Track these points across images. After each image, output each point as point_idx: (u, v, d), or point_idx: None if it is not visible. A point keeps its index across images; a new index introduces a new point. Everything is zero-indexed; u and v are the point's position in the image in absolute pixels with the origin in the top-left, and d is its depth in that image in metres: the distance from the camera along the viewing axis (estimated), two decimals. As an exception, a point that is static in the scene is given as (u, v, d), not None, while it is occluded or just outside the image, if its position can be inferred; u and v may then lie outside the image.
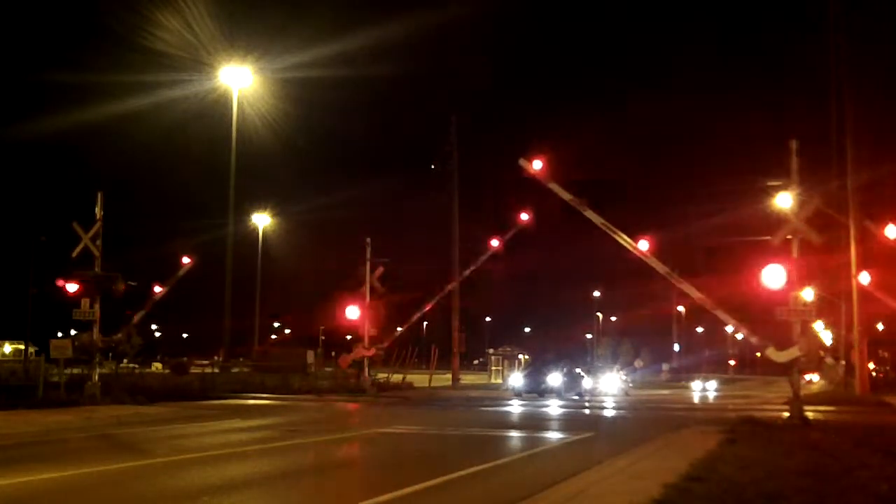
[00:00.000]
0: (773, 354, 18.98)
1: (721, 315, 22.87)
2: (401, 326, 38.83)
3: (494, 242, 39.35)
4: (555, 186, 24.56)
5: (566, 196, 24.81)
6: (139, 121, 53.21)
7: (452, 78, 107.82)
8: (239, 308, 46.05)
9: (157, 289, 29.93)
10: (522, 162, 25.29)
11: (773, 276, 18.55)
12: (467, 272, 42.23)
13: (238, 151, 39.43)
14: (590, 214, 24.09)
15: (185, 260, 30.04)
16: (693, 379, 62.74)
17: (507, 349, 63.97)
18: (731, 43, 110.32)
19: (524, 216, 37.42)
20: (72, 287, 24.70)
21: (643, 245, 23.20)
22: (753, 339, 21.00)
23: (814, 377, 51.96)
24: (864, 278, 32.67)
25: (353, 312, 33.62)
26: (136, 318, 28.74)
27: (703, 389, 52.46)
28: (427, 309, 40.38)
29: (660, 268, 23.22)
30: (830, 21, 33.59)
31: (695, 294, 22.59)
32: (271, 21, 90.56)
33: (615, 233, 23.76)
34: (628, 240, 23.52)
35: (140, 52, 43.24)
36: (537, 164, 24.93)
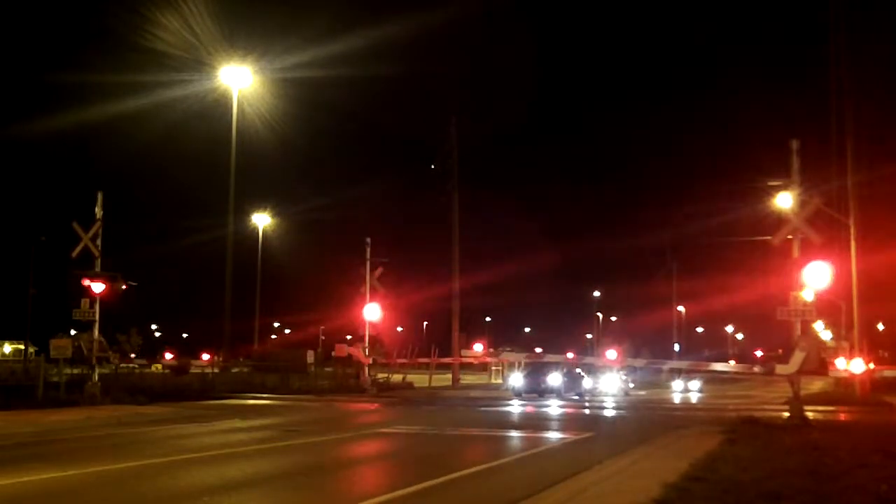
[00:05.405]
0: (783, 370, 18.72)
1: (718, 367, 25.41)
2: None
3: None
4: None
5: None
6: (139, 121, 53.29)
7: (452, 78, 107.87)
8: (239, 308, 46.08)
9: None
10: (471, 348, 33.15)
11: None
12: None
13: (238, 151, 39.48)
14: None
15: (205, 356, 31.24)
16: (674, 378, 51.27)
17: (507, 349, 63.83)
18: (731, 43, 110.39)
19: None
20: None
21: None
22: (757, 370, 21.08)
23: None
24: None
25: (353, 313, 33.71)
26: (132, 356, 29.27)
27: (685, 390, 46.35)
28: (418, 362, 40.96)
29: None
30: (830, 21, 33.58)
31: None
32: (271, 21, 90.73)
33: None
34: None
35: (140, 52, 43.22)
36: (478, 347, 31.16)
